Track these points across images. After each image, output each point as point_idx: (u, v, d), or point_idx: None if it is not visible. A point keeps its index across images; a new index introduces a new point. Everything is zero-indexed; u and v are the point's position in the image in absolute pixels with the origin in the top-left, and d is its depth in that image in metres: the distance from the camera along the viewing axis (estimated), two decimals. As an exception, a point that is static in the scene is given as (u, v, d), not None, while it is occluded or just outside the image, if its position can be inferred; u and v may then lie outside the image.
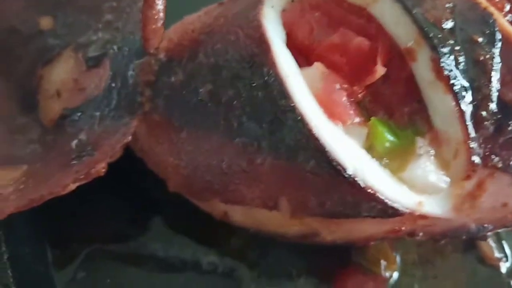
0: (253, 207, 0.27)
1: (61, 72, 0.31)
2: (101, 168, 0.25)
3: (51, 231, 0.33)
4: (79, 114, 0.29)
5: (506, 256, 0.39)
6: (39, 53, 0.32)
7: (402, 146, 0.25)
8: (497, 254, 0.39)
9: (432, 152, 0.24)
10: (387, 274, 0.34)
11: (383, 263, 0.34)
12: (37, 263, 0.31)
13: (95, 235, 0.35)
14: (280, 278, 0.36)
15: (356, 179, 0.23)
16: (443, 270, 0.38)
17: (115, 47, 0.29)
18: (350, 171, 0.23)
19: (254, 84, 0.24)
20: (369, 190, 0.23)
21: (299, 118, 0.23)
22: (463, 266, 0.39)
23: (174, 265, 0.34)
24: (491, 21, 0.24)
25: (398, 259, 0.36)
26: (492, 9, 0.25)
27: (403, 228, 0.26)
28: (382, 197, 0.23)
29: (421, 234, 0.28)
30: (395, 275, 0.36)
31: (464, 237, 0.29)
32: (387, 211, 0.24)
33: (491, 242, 0.39)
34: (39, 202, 0.24)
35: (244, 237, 0.36)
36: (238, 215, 0.28)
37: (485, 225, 0.28)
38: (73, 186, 0.25)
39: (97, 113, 0.28)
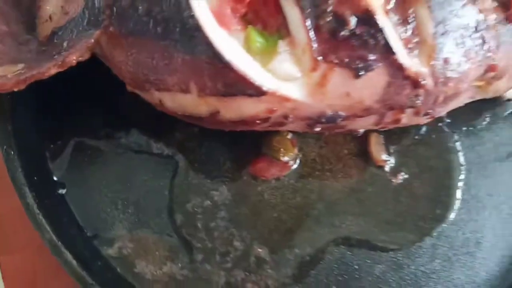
0: (175, 92, 0.39)
1: (52, 3, 0.43)
2: (72, 59, 0.37)
3: (49, 124, 0.47)
4: (63, 30, 0.42)
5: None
6: (38, -10, 0.44)
7: (268, 47, 0.36)
8: (384, 157, 0.51)
9: (289, 51, 0.36)
10: (286, 159, 0.46)
11: (282, 151, 0.46)
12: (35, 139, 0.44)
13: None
14: (210, 163, 0.48)
15: (232, 63, 0.34)
16: (338, 166, 0.50)
17: (88, -18, 0.41)
18: (227, 58, 0.34)
19: (170, 4, 0.36)
20: (240, 72, 0.35)
21: (198, 24, 0.35)
22: (355, 165, 0.51)
23: (133, 148, 0.47)
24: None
25: (299, 153, 0.49)
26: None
27: (275, 109, 0.38)
28: (250, 78, 0.35)
29: (291, 117, 0.39)
30: (298, 166, 0.48)
31: (324, 121, 0.40)
32: (255, 89, 0.36)
33: (380, 147, 0.51)
34: (31, 80, 0.37)
35: (185, 132, 0.49)
36: (168, 101, 0.40)
37: (339, 112, 0.39)
38: (53, 70, 0.37)
39: (75, 29, 0.41)
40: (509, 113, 0.54)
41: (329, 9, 0.34)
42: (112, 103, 0.47)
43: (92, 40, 0.38)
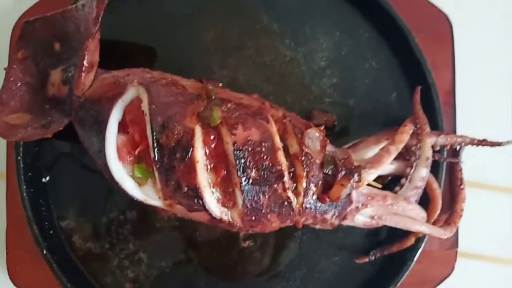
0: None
1: (55, 77, 0.68)
2: (49, 135, 0.63)
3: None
4: (56, 100, 0.67)
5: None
6: (51, 62, 0.68)
7: (143, 179, 0.60)
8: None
9: (153, 186, 0.60)
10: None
11: (170, 208, 0.72)
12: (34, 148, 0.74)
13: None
14: (133, 193, 0.75)
15: (118, 182, 0.59)
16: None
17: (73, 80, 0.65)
18: (116, 177, 0.59)
19: (99, 137, 0.60)
20: (123, 187, 0.60)
21: (105, 155, 0.59)
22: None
23: (91, 168, 0.74)
24: (189, 150, 0.56)
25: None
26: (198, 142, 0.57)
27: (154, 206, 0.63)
28: (129, 192, 0.60)
29: (170, 213, 0.64)
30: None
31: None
32: (131, 197, 0.61)
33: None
34: (29, 139, 0.64)
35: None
36: (100, 168, 0.66)
37: (185, 217, 0.63)
38: (40, 137, 0.64)
39: (59, 107, 0.66)
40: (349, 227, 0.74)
41: (174, 178, 0.57)
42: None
43: (61, 128, 0.64)
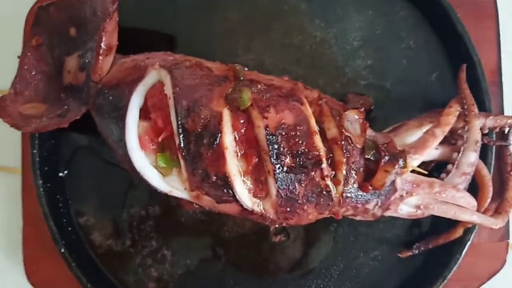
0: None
1: (71, 64, 0.63)
2: (66, 124, 0.59)
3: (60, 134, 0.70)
4: (72, 88, 0.63)
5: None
6: (67, 49, 0.64)
7: (167, 168, 0.55)
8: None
9: (178, 175, 0.55)
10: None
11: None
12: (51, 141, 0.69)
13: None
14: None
15: (140, 172, 0.55)
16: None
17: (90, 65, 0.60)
18: (138, 168, 0.54)
19: (118, 125, 0.55)
20: (145, 178, 0.55)
21: (126, 144, 0.54)
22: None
23: (110, 161, 0.70)
24: (217, 135, 0.51)
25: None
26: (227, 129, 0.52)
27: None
28: (152, 183, 0.55)
29: (196, 206, 0.59)
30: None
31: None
32: (154, 190, 0.56)
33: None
34: (43, 130, 0.60)
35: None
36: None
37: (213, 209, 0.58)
38: (55, 127, 0.60)
39: (76, 95, 0.62)
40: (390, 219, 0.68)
41: (202, 167, 0.52)
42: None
43: (78, 116, 0.59)
